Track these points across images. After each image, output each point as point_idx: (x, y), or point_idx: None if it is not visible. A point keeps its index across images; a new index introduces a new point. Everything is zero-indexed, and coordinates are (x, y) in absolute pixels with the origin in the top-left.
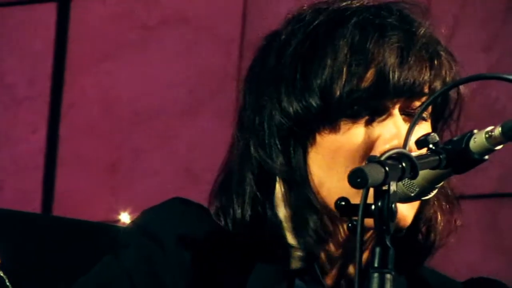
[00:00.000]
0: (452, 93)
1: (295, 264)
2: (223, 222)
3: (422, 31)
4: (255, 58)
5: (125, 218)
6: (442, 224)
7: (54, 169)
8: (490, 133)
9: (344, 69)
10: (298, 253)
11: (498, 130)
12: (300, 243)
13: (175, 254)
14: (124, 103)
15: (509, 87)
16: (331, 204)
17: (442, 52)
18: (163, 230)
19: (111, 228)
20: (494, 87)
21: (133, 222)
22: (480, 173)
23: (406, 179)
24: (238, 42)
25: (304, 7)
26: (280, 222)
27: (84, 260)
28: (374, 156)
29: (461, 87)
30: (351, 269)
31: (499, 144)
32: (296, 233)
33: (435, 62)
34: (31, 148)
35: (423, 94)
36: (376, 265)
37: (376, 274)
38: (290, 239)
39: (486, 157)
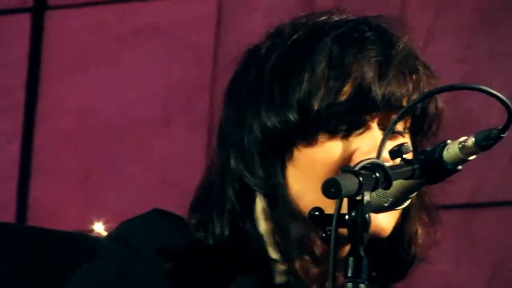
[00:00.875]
0: (431, 107)
1: (279, 279)
2: (203, 236)
3: (401, 46)
4: (235, 72)
5: (99, 228)
6: (422, 237)
7: (28, 179)
8: (463, 144)
9: (322, 83)
10: (282, 267)
11: (471, 141)
12: (283, 257)
13: (153, 266)
14: (99, 114)
15: (482, 98)
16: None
17: (420, 67)
18: (142, 241)
19: (85, 238)
20: (467, 98)
21: (111, 232)
22: (454, 184)
23: (380, 189)
24: (212, 53)
25: (284, 23)
26: (261, 236)
27: (59, 269)
28: (348, 166)
29: (439, 100)
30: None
31: (473, 154)
32: (279, 247)
33: (413, 76)
34: (5, 157)
35: (401, 108)
36: (349, 274)
37: (349, 284)
38: (273, 253)
39: (460, 167)
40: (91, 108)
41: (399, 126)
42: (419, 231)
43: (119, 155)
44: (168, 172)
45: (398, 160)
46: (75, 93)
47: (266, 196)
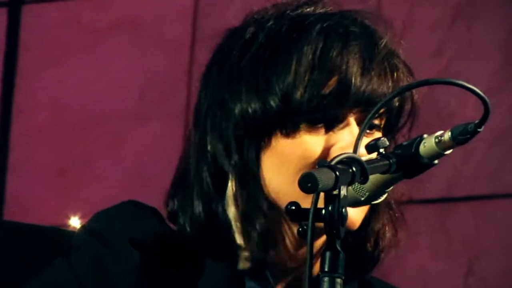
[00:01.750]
0: (406, 103)
1: (244, 265)
2: (181, 221)
3: (383, 43)
4: (215, 53)
5: (75, 222)
6: (389, 232)
7: (4, 174)
8: (439, 138)
9: (307, 75)
10: (246, 254)
11: (447, 135)
12: (247, 244)
13: (126, 257)
14: (74, 108)
15: (459, 92)
16: (280, 207)
17: (400, 65)
18: (114, 232)
19: (61, 233)
20: (444, 92)
21: (84, 224)
22: (430, 178)
23: (357, 183)
24: (188, 47)
25: (267, 8)
26: (229, 221)
27: (35, 264)
28: (325, 161)
29: (415, 96)
30: (302, 273)
31: (449, 149)
32: (243, 233)
33: (394, 74)
34: None
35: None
36: (326, 269)
37: (326, 278)
38: (239, 239)
39: (436, 161)
40: (67, 103)
41: (376, 121)
42: (386, 227)
43: (95, 149)
44: (144, 166)
45: (374, 155)
46: (51, 87)
47: (238, 181)
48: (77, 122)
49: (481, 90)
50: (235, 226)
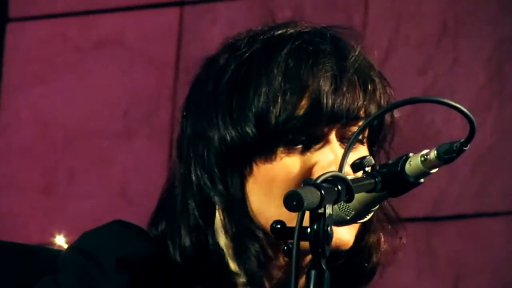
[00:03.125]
0: (386, 117)
1: None
2: (171, 251)
3: (354, 57)
4: (193, 84)
5: (60, 240)
6: (384, 245)
7: None
8: (425, 157)
9: (279, 97)
10: (242, 280)
11: (433, 154)
12: (242, 270)
13: (114, 277)
14: (59, 126)
15: (444, 110)
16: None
17: (375, 77)
18: (102, 252)
19: (46, 251)
20: (430, 110)
21: (72, 244)
22: (415, 196)
23: (342, 202)
24: (173, 65)
25: (242, 34)
26: (221, 249)
27: (20, 282)
28: (310, 179)
29: (395, 111)
30: None
31: (435, 167)
32: (238, 260)
33: (369, 86)
34: None
35: (359, 119)
36: None
37: None
38: (233, 266)
39: (422, 180)
40: (51, 120)
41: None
42: (381, 240)
43: (79, 167)
44: (129, 184)
45: (360, 173)
46: (35, 105)
47: (225, 211)
48: (61, 140)
49: (466, 108)
50: (228, 253)
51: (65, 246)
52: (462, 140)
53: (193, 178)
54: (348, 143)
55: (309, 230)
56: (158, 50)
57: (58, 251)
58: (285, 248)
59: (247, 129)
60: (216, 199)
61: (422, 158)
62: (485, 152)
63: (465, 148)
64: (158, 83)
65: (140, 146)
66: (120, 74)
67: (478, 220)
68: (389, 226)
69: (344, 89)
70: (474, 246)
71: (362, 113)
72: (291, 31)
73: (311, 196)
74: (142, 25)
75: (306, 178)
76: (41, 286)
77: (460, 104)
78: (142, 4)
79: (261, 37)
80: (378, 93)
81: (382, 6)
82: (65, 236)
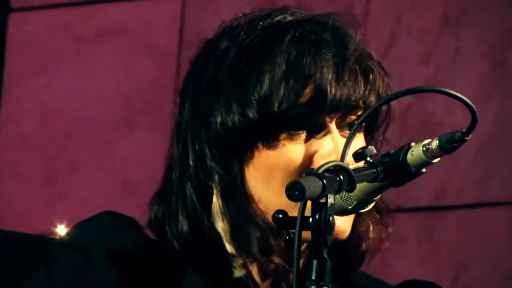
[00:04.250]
0: (383, 108)
1: (238, 273)
2: (168, 235)
3: (353, 46)
4: (191, 68)
5: (61, 230)
6: (373, 233)
7: None
8: (427, 146)
9: (282, 85)
10: (240, 261)
11: (435, 143)
12: (240, 252)
13: (104, 268)
14: (60, 116)
15: (446, 100)
16: (270, 218)
17: (374, 66)
18: (92, 243)
19: (48, 241)
20: (431, 100)
21: (62, 236)
22: (417, 186)
23: (344, 192)
24: (175, 55)
25: (239, 18)
26: (218, 233)
27: (21, 272)
28: (312, 169)
29: (394, 104)
30: (291, 281)
31: (436, 157)
32: (236, 243)
33: (369, 76)
34: None
35: (358, 108)
36: (313, 277)
37: (313, 287)
38: (229, 248)
39: (423, 170)
40: (53, 111)
41: (355, 122)
42: (370, 228)
43: (81, 157)
44: (130, 174)
45: (361, 163)
46: (37, 95)
47: (223, 195)
48: (63, 130)
49: (468, 98)
50: (225, 237)
51: None
52: (463, 130)
53: (191, 162)
54: (350, 132)
55: (311, 220)
56: (160, 40)
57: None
58: (287, 237)
59: (249, 114)
60: (214, 183)
61: (424, 148)
62: (487, 142)
63: (466, 138)
64: (160, 73)
65: (142, 136)
66: (122, 64)
67: (480, 210)
68: (378, 214)
69: (346, 78)
70: (476, 235)
71: (361, 102)
72: (290, 18)
73: (313, 185)
74: (144, 15)
75: (307, 168)
76: (34, 279)
77: (462, 94)
78: None
79: (261, 22)
80: (378, 83)
81: None
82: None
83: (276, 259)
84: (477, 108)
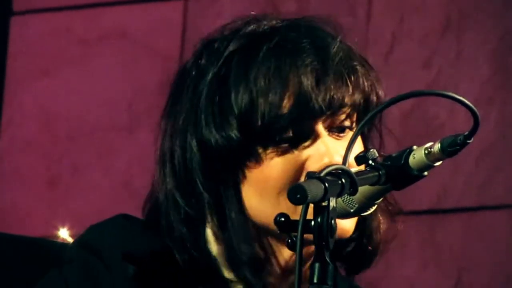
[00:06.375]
0: (372, 98)
1: None
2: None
3: (335, 48)
4: (173, 87)
5: (64, 233)
6: (381, 233)
7: None
8: (429, 150)
9: (262, 98)
10: (239, 286)
11: (437, 147)
12: (237, 276)
13: (119, 270)
14: (63, 119)
15: (448, 104)
16: (268, 231)
17: (357, 66)
18: (107, 246)
19: (50, 244)
20: (433, 104)
21: (78, 237)
22: (419, 189)
23: (346, 195)
24: (177, 58)
25: (217, 31)
26: (215, 259)
27: (24, 275)
28: (314, 172)
29: (379, 90)
30: None
31: (438, 161)
32: (231, 266)
33: (352, 76)
34: None
35: (343, 107)
36: (315, 281)
37: None
38: (227, 274)
39: (425, 173)
40: (56, 113)
41: (347, 122)
42: (381, 221)
43: (83, 160)
44: (133, 177)
45: (363, 166)
46: (39, 98)
47: (215, 221)
48: (66, 132)
49: (470, 102)
50: (222, 261)
51: (69, 239)
52: (466, 133)
53: (177, 196)
54: (351, 137)
55: (313, 223)
56: (162, 44)
57: (62, 244)
58: (289, 241)
59: (230, 133)
60: (205, 211)
61: (426, 151)
62: (489, 145)
63: (469, 141)
64: (161, 76)
65: (144, 139)
66: (124, 67)
67: (482, 213)
68: (386, 214)
69: (327, 82)
70: (478, 239)
71: (348, 101)
72: (265, 26)
73: (314, 189)
74: (147, 18)
75: (309, 172)
76: (47, 280)
77: (464, 98)
78: None
79: (236, 35)
80: (361, 79)
81: None
82: (69, 229)
83: (276, 270)
84: (479, 112)
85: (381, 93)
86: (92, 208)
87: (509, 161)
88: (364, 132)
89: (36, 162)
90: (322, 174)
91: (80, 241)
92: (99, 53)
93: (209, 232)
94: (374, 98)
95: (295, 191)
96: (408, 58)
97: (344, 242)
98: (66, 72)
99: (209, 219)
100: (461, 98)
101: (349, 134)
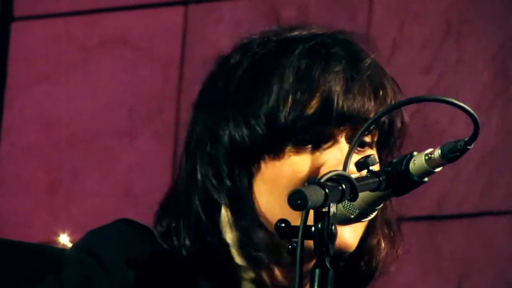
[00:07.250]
0: (397, 121)
1: (246, 286)
2: (177, 246)
3: (368, 62)
4: (204, 83)
5: (64, 239)
6: (384, 251)
7: None
8: (429, 155)
9: (290, 97)
10: (250, 275)
11: (437, 152)
12: (250, 264)
13: (118, 275)
14: (63, 124)
15: (449, 109)
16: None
17: (387, 84)
18: (107, 251)
19: (50, 250)
20: (434, 109)
21: (77, 242)
22: (419, 195)
23: (346, 201)
24: (178, 63)
25: (254, 34)
26: (227, 245)
27: (24, 281)
28: (314, 178)
29: (405, 115)
30: None
31: (439, 166)
32: (247, 255)
33: (380, 92)
34: None
35: (367, 120)
36: (315, 287)
37: None
38: (239, 261)
39: (426, 179)
40: (55, 119)
41: (367, 138)
42: (381, 244)
43: (84, 166)
44: (133, 183)
45: (364, 172)
46: (40, 103)
47: (232, 208)
48: (66, 138)
49: (470, 107)
50: (235, 249)
51: (69, 245)
52: (466, 139)
53: (199, 176)
54: (353, 142)
55: (313, 229)
56: (163, 49)
57: (62, 250)
58: (290, 247)
59: (257, 127)
60: (223, 197)
61: (427, 157)
62: (489, 151)
63: (469, 147)
64: (162, 82)
65: (145, 145)
66: (125, 73)
67: (482, 219)
68: (390, 233)
69: (355, 91)
70: (478, 245)
71: (371, 115)
72: (304, 33)
73: (315, 194)
74: (147, 24)
75: (310, 177)
76: (44, 285)
77: (465, 103)
78: (147, 3)
79: (274, 38)
80: (388, 98)
81: (386, 5)
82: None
83: (279, 272)
84: (479, 117)
85: (406, 119)
86: (93, 214)
87: (509, 167)
88: (385, 150)
89: (36, 167)
90: (322, 180)
91: (79, 245)
92: (100, 58)
93: (224, 220)
94: (399, 124)
95: (296, 197)
96: (409, 64)
97: (342, 260)
98: (67, 77)
99: (226, 205)
100: (461, 104)
101: (367, 151)
